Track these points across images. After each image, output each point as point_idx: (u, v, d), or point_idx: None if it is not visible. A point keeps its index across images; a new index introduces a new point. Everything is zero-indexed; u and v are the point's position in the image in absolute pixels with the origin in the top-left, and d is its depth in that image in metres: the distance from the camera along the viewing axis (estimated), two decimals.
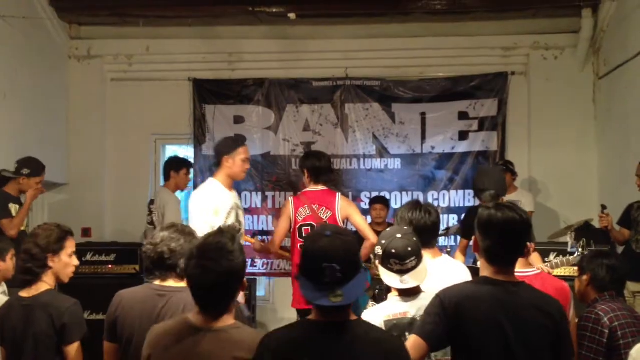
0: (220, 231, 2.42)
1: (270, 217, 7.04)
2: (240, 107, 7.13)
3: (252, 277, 6.72)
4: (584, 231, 5.20)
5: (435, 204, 6.79)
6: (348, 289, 2.13)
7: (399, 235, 2.89)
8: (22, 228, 5.17)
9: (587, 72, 6.77)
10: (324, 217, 4.94)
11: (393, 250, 2.84)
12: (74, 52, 7.27)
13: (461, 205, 6.89)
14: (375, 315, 2.81)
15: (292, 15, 6.14)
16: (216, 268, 2.25)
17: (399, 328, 2.75)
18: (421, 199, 6.82)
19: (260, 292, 7.05)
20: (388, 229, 3.06)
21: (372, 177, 7.01)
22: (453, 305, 2.47)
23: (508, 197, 5.56)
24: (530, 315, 2.44)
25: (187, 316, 2.39)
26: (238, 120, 7.14)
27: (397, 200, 6.90)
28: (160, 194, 6.23)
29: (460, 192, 6.91)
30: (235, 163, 4.48)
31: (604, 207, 5.35)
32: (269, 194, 7.09)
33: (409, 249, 2.84)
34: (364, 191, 6.92)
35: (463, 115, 6.90)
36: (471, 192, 6.64)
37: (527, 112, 6.86)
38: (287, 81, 7.10)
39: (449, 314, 2.46)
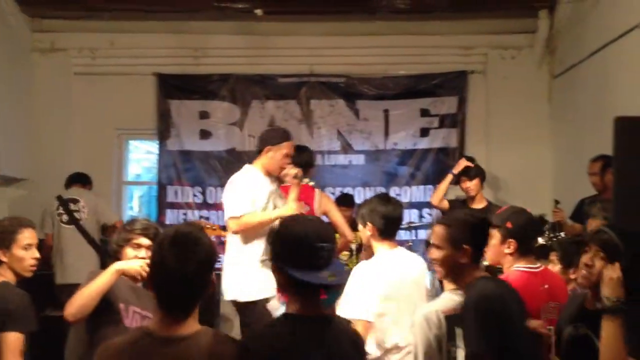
0: (189, 223, 2.29)
1: None
2: (206, 102, 6.96)
3: (219, 272, 6.58)
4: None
5: (398, 199, 6.69)
6: (338, 270, 2.06)
7: None
8: None
9: (543, 71, 6.82)
10: (302, 212, 4.89)
11: None
12: (37, 45, 7.00)
13: (422, 200, 6.86)
14: (434, 309, 2.70)
15: (258, 12, 6.04)
16: (195, 257, 2.00)
17: (456, 322, 2.59)
18: None
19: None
20: None
21: (336, 173, 6.94)
22: None
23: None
24: None
25: (144, 326, 2.12)
26: (203, 115, 6.98)
27: (361, 196, 6.82)
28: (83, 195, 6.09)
29: (422, 187, 6.89)
30: (276, 156, 4.23)
31: (557, 202, 5.40)
32: None
33: None
34: (327, 186, 6.80)
35: (424, 113, 6.89)
36: (432, 187, 6.63)
37: (485, 110, 6.88)
38: (253, 77, 6.96)
39: None
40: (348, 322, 2.37)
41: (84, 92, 6.98)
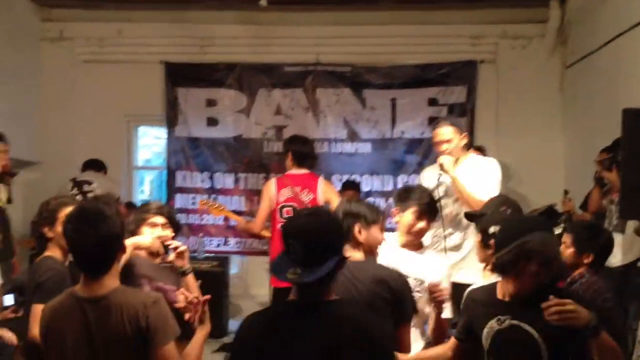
0: (96, 198, 2.62)
1: (242, 198, 6.88)
2: (212, 90, 6.91)
3: (226, 254, 6.68)
4: (546, 215, 5.13)
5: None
6: (310, 269, 2.04)
7: None
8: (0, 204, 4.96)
9: (555, 61, 6.62)
10: (305, 200, 4.97)
11: None
12: (46, 34, 6.99)
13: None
14: None
15: (263, 2, 5.89)
16: (94, 232, 2.26)
17: None
18: (391, 182, 6.79)
19: (233, 269, 6.96)
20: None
21: (342, 160, 6.85)
22: None
23: None
24: None
25: (73, 288, 2.37)
26: (210, 103, 6.94)
27: (368, 183, 6.79)
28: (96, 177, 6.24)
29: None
30: None
31: (566, 192, 5.38)
32: (241, 175, 6.91)
33: None
34: (334, 174, 6.74)
35: (432, 102, 6.74)
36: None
37: (496, 99, 6.71)
38: (259, 65, 6.89)
39: None
40: (358, 308, 2.31)
41: (92, 80, 6.97)
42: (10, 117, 6.15)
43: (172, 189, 6.98)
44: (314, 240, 2.08)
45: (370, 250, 3.00)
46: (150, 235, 3.15)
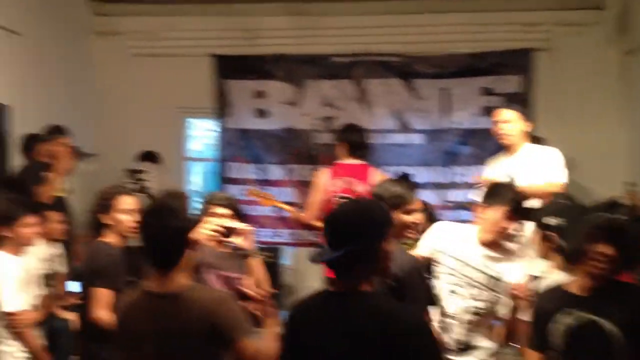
0: (168, 194, 2.78)
1: (292, 189, 6.88)
2: (261, 82, 6.91)
3: (278, 246, 6.69)
4: (609, 208, 4.94)
5: (460, 179, 6.57)
6: (330, 252, 2.06)
7: None
8: (62, 194, 5.08)
9: (613, 48, 6.39)
10: (358, 190, 4.81)
11: None
12: (99, 29, 7.10)
13: None
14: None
15: None
16: (166, 226, 2.34)
17: None
18: (444, 174, 6.67)
19: (285, 260, 6.97)
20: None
21: (393, 151, 6.73)
22: None
23: None
24: None
25: (144, 284, 2.44)
26: (259, 94, 6.94)
27: (420, 175, 6.64)
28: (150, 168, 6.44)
29: (485, 167, 6.63)
30: None
31: (630, 185, 5.17)
32: (291, 166, 6.91)
33: None
34: (384, 165, 6.52)
35: (487, 91, 6.58)
36: None
37: (551, 88, 6.48)
38: (307, 57, 6.84)
39: None
40: (387, 299, 2.27)
41: (144, 73, 7.03)
42: (69, 110, 6.30)
43: (223, 180, 7.01)
44: (337, 224, 2.10)
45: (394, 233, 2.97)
46: (210, 225, 3.19)
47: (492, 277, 3.14)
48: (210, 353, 2.28)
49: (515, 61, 6.51)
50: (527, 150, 4.11)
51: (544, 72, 6.50)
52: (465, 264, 3.20)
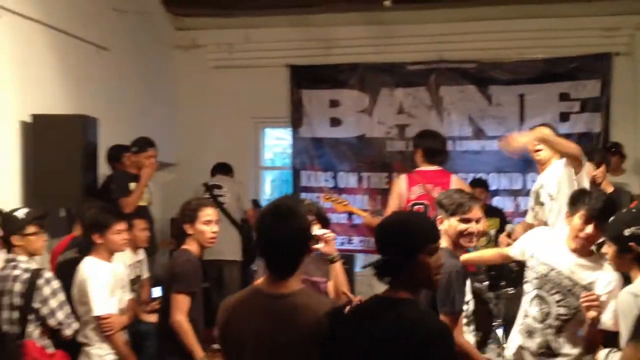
0: (287, 196, 2.67)
1: (365, 197, 6.92)
2: (335, 91, 7.00)
3: (350, 253, 6.66)
4: None
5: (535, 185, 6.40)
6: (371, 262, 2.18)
7: None
8: (144, 203, 5.22)
9: None
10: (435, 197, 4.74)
11: None
12: (180, 43, 7.35)
13: None
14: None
15: (387, 3, 5.85)
16: (287, 227, 2.27)
17: None
18: (520, 180, 6.59)
19: (357, 267, 6.87)
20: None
21: (468, 159, 6.68)
22: None
23: (616, 180, 5.19)
24: None
25: (257, 284, 2.43)
26: (333, 104, 7.03)
27: (495, 182, 6.59)
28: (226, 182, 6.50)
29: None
30: None
31: None
32: (364, 174, 6.95)
33: None
34: (459, 172, 6.42)
35: (564, 97, 6.45)
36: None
37: (633, 93, 6.30)
38: (381, 65, 6.88)
39: None
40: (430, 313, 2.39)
41: (221, 85, 7.24)
42: (150, 121, 6.50)
43: (297, 188, 7.11)
44: (380, 234, 2.21)
45: (453, 243, 3.01)
46: None
47: (580, 284, 3.10)
48: (315, 356, 2.24)
49: (594, 66, 6.36)
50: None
51: (623, 76, 6.32)
52: (554, 269, 3.19)
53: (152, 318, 4.18)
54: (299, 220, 2.31)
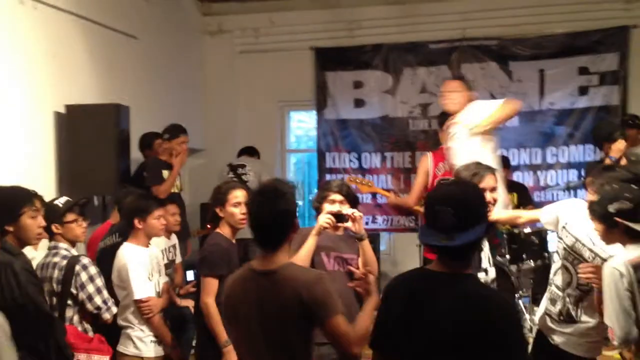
0: (277, 179, 2.88)
1: (389, 177, 7.00)
2: (359, 72, 7.05)
3: (374, 232, 6.74)
4: None
5: (555, 159, 6.57)
6: (460, 234, 2.06)
7: None
8: (176, 190, 5.29)
9: None
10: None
11: None
12: (207, 28, 7.47)
13: (581, 160, 6.48)
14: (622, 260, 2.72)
15: None
16: (274, 207, 2.43)
17: None
18: (539, 155, 6.61)
19: (382, 246, 7.08)
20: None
21: None
22: None
23: (635, 151, 5.13)
24: None
25: (250, 263, 2.56)
26: (357, 85, 7.09)
27: (515, 157, 6.61)
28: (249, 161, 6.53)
29: (580, 146, 6.50)
30: None
31: None
32: (388, 154, 7.02)
33: None
34: None
35: (583, 71, 6.44)
36: (591, 146, 6.29)
37: None
38: (404, 45, 6.91)
39: None
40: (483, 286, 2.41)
41: (248, 69, 7.35)
42: (179, 108, 6.64)
43: (322, 170, 7.21)
44: (462, 206, 2.09)
45: None
46: (324, 214, 3.36)
47: (600, 256, 3.17)
48: (302, 328, 2.38)
49: (613, 39, 6.33)
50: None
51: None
52: (579, 241, 3.25)
53: (187, 301, 4.30)
54: (285, 201, 2.47)
